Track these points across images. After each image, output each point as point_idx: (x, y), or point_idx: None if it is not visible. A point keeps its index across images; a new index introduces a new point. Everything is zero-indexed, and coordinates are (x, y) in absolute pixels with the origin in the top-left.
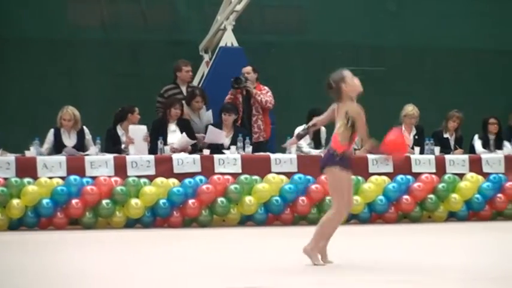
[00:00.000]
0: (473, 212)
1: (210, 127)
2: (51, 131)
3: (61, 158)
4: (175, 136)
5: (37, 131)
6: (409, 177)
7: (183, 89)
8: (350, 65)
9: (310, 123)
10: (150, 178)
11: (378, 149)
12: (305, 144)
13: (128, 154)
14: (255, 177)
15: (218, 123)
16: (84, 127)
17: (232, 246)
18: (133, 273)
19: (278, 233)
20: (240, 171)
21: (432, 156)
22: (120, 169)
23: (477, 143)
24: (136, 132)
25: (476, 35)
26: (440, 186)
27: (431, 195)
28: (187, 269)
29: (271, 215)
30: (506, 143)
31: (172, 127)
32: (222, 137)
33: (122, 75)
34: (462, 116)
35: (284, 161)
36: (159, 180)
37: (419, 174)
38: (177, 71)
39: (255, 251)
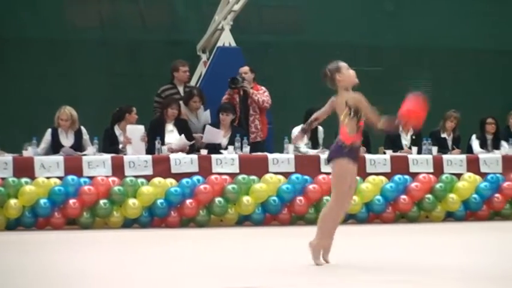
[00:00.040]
0: (470, 212)
1: (208, 127)
2: (49, 130)
3: (58, 158)
4: (172, 136)
5: (35, 131)
6: (406, 177)
7: (180, 89)
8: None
9: (312, 118)
10: (148, 178)
11: (394, 123)
12: (303, 144)
13: (125, 154)
14: (253, 177)
15: (216, 123)
16: (82, 127)
17: (229, 246)
18: (132, 273)
19: (276, 233)
20: (237, 171)
21: (430, 156)
22: (118, 169)
23: (475, 143)
24: (134, 132)
25: (474, 35)
26: (437, 186)
27: (429, 195)
28: (185, 269)
29: (269, 215)
30: (503, 143)
31: (170, 127)
32: (220, 136)
33: (119, 75)
34: (460, 116)
35: (281, 161)
36: (157, 180)
37: (417, 174)
38: (174, 71)
39: (252, 251)
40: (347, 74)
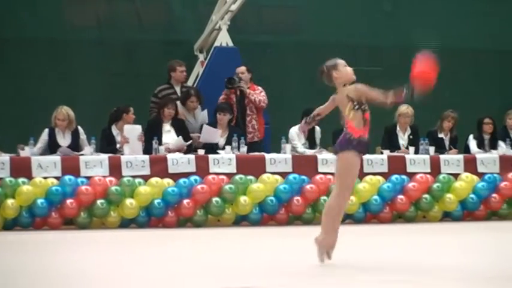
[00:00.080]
0: (468, 212)
1: (205, 126)
2: (46, 130)
3: (56, 158)
4: (170, 136)
5: (32, 131)
6: (403, 177)
7: (177, 89)
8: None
9: (314, 113)
10: (145, 178)
11: (403, 93)
12: (300, 144)
13: (122, 154)
14: (250, 177)
15: (213, 123)
16: (79, 127)
17: (227, 246)
18: (130, 273)
19: (273, 233)
20: (234, 171)
21: (427, 156)
22: (115, 169)
23: (472, 143)
24: (131, 132)
25: (472, 35)
26: (435, 186)
27: (426, 195)
28: (182, 269)
29: (266, 215)
30: (501, 143)
31: (167, 127)
32: (218, 135)
33: (116, 75)
34: (457, 116)
35: (279, 161)
36: (154, 180)
37: (414, 174)
38: (171, 71)
39: (249, 251)
40: (344, 71)
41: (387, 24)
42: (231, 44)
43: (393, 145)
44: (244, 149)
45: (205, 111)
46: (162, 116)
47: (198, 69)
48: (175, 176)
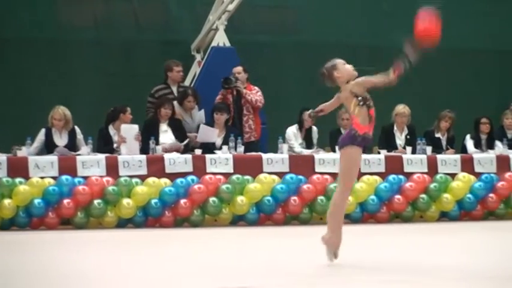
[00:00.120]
0: (465, 211)
1: (202, 125)
2: (42, 130)
3: (53, 158)
4: (167, 136)
5: (29, 131)
6: (401, 177)
7: (174, 89)
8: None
9: (317, 109)
10: (142, 178)
11: (403, 65)
12: (297, 144)
13: (119, 154)
14: (247, 177)
15: (210, 123)
16: (76, 127)
17: (224, 246)
18: (128, 273)
19: (270, 233)
20: (231, 171)
21: (424, 156)
22: (112, 169)
23: (469, 143)
24: (128, 132)
25: (469, 35)
26: (432, 186)
27: (423, 195)
28: (179, 269)
29: (263, 215)
30: (498, 143)
31: (164, 127)
32: (215, 135)
33: (114, 75)
34: (454, 116)
35: (276, 161)
36: (151, 180)
37: (411, 174)
38: (168, 71)
39: (246, 251)
40: (344, 69)
41: (387, 24)
42: (228, 44)
43: (390, 145)
44: (241, 149)
45: (202, 111)
46: (158, 116)
47: (195, 69)
48: (172, 176)
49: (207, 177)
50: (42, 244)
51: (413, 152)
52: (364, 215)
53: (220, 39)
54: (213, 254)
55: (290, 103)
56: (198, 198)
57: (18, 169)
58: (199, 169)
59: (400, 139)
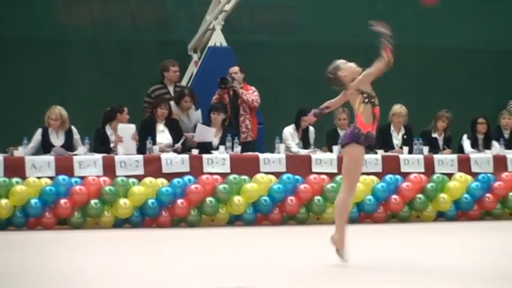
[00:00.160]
0: (461, 211)
1: (199, 125)
2: (39, 130)
3: (49, 158)
4: (163, 136)
5: (26, 131)
6: (397, 177)
7: (171, 89)
8: None
9: (324, 105)
10: (139, 178)
11: (386, 46)
12: (294, 144)
13: (116, 154)
14: (244, 177)
15: (207, 123)
16: (72, 127)
17: (221, 246)
18: (126, 273)
19: (267, 233)
20: (228, 171)
21: (421, 156)
22: (109, 169)
23: (466, 143)
24: (125, 131)
25: (466, 35)
26: (429, 186)
27: (420, 195)
28: (176, 269)
29: (260, 214)
30: (494, 143)
31: (161, 127)
32: (212, 134)
33: (111, 75)
34: (451, 116)
35: (273, 160)
36: (148, 180)
37: (408, 174)
38: (164, 71)
39: (243, 250)
40: (347, 67)
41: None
42: (225, 44)
43: (387, 145)
44: (238, 148)
45: (199, 111)
46: (155, 116)
47: (192, 69)
48: (169, 176)
49: (204, 177)
50: (40, 244)
51: (410, 152)
52: (361, 215)
53: (217, 39)
54: (210, 254)
55: (287, 103)
56: (195, 198)
57: (15, 169)
58: (196, 169)
59: (397, 139)
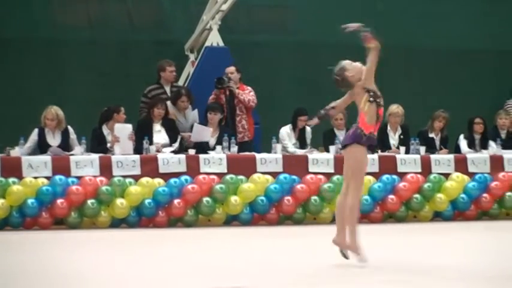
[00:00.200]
0: (458, 211)
1: (196, 124)
2: (36, 130)
3: (46, 158)
4: (160, 136)
5: (23, 131)
6: (394, 177)
7: (167, 89)
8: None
9: (330, 106)
10: (136, 178)
11: (367, 36)
12: (290, 144)
13: (113, 154)
14: (241, 177)
15: (204, 123)
16: (69, 127)
17: (217, 246)
18: (123, 273)
19: (263, 233)
20: (225, 171)
21: (418, 156)
22: (106, 169)
23: (462, 143)
24: (121, 131)
25: (463, 35)
26: (425, 186)
27: (417, 195)
28: (173, 269)
29: (257, 214)
30: (491, 143)
31: (158, 127)
32: (208, 134)
33: (108, 75)
34: (448, 116)
35: (269, 160)
36: (145, 180)
37: (405, 174)
38: (160, 71)
39: (240, 250)
40: (353, 67)
41: (386, 25)
42: (221, 43)
43: (384, 145)
44: (234, 148)
45: (196, 110)
46: (152, 116)
47: (189, 69)
48: (166, 176)
49: (200, 177)
50: (36, 244)
51: (407, 152)
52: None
53: (214, 39)
54: (206, 254)
55: (284, 103)
56: (191, 198)
57: (12, 169)
58: (192, 169)
59: (393, 139)
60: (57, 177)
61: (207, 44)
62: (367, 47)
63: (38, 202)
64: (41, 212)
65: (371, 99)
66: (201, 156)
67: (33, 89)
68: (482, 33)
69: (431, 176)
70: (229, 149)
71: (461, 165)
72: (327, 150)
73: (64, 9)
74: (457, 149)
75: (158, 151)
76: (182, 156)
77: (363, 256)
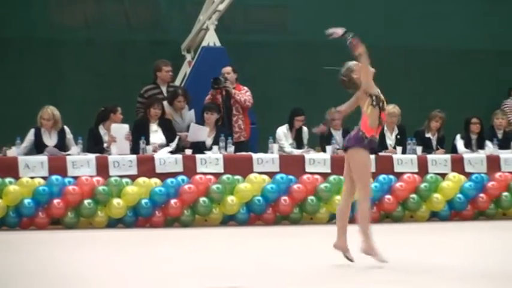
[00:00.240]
0: (455, 211)
1: (192, 124)
2: (32, 130)
3: (43, 158)
4: (157, 136)
5: (19, 131)
6: (391, 177)
7: (164, 89)
8: (337, 64)
9: (336, 109)
10: (132, 178)
11: (354, 42)
12: (287, 144)
13: (110, 154)
14: (237, 177)
15: (200, 123)
16: (65, 127)
17: (214, 246)
18: (121, 273)
19: (260, 233)
20: (222, 171)
21: (414, 156)
22: (102, 169)
23: (459, 143)
24: (118, 131)
25: (463, 35)
26: (422, 186)
27: (414, 195)
28: (170, 269)
29: (253, 214)
30: (488, 143)
31: (154, 127)
32: (205, 133)
33: (104, 75)
34: (444, 116)
35: (266, 160)
36: (141, 180)
37: (402, 174)
38: (157, 71)
39: (237, 250)
40: (359, 69)
41: (386, 25)
42: (218, 43)
43: (380, 145)
44: (231, 148)
45: (192, 110)
46: (148, 116)
47: (186, 69)
48: (163, 176)
49: (197, 177)
50: (33, 244)
51: (404, 152)
52: (355, 215)
53: (211, 39)
54: (203, 254)
55: (280, 103)
56: (188, 198)
57: (8, 169)
58: (189, 169)
59: (390, 139)
60: (54, 177)
61: (204, 44)
62: (356, 55)
63: (35, 202)
64: (38, 212)
65: (374, 103)
66: (198, 156)
67: (30, 89)
68: (482, 33)
69: (428, 176)
70: (225, 149)
71: (457, 165)
72: (324, 150)
73: (61, 9)
74: (453, 149)
75: (155, 151)
76: (179, 156)
77: (381, 257)
